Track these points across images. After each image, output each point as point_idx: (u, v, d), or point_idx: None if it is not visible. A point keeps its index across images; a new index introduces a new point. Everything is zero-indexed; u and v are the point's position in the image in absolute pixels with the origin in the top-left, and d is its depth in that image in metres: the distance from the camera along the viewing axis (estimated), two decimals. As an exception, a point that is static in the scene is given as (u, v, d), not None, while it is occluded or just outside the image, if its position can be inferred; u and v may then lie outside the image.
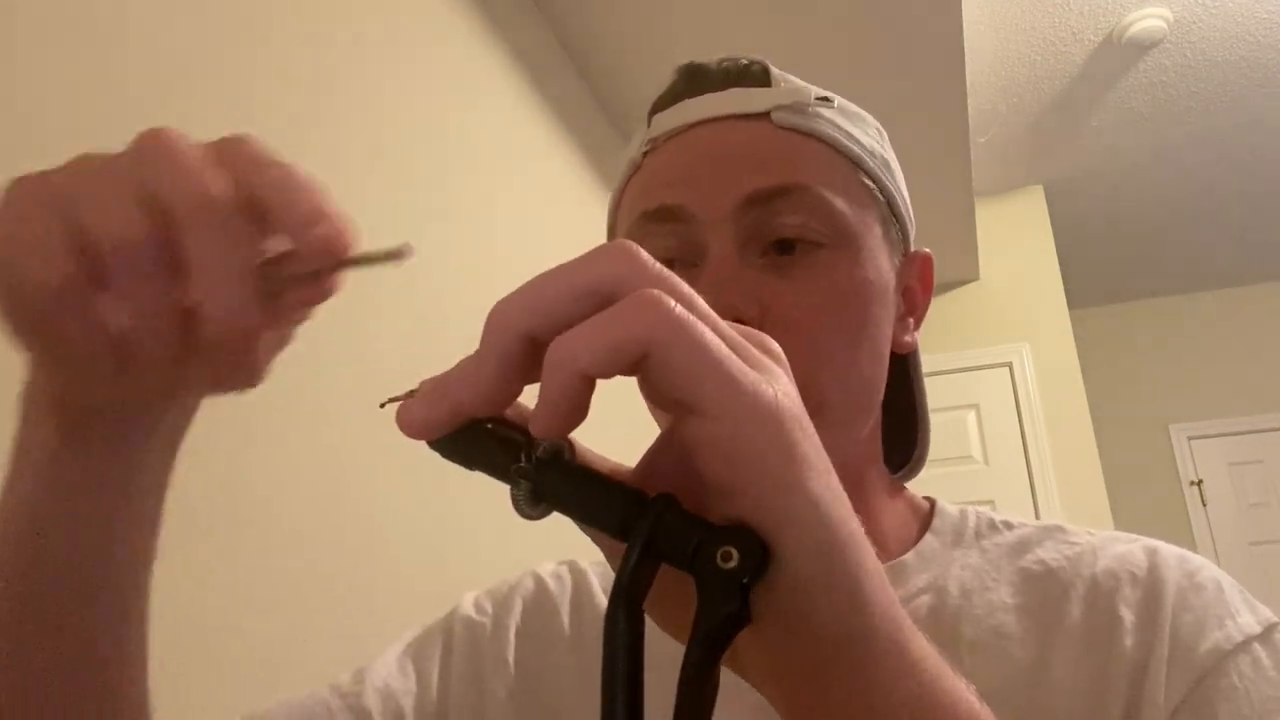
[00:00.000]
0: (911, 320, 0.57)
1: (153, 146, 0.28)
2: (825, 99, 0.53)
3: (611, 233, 0.57)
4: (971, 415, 3.54)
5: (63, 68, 0.78)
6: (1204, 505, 4.46)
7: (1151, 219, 3.97)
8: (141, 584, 0.37)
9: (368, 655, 0.56)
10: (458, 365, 0.26)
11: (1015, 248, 3.63)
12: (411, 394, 0.30)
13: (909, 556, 0.52)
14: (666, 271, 0.26)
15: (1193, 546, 4.33)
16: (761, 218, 0.48)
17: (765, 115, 0.51)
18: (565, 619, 0.55)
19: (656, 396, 0.26)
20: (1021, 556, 0.52)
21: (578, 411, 0.25)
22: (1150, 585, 0.48)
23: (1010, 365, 3.53)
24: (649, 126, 0.55)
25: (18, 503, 0.34)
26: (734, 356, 0.25)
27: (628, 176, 0.55)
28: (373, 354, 1.16)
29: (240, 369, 0.30)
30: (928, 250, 0.58)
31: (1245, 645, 0.45)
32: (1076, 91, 3.03)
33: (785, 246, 0.49)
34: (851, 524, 0.27)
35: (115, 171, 0.27)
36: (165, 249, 0.27)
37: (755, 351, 0.27)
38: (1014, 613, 0.49)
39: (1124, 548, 0.51)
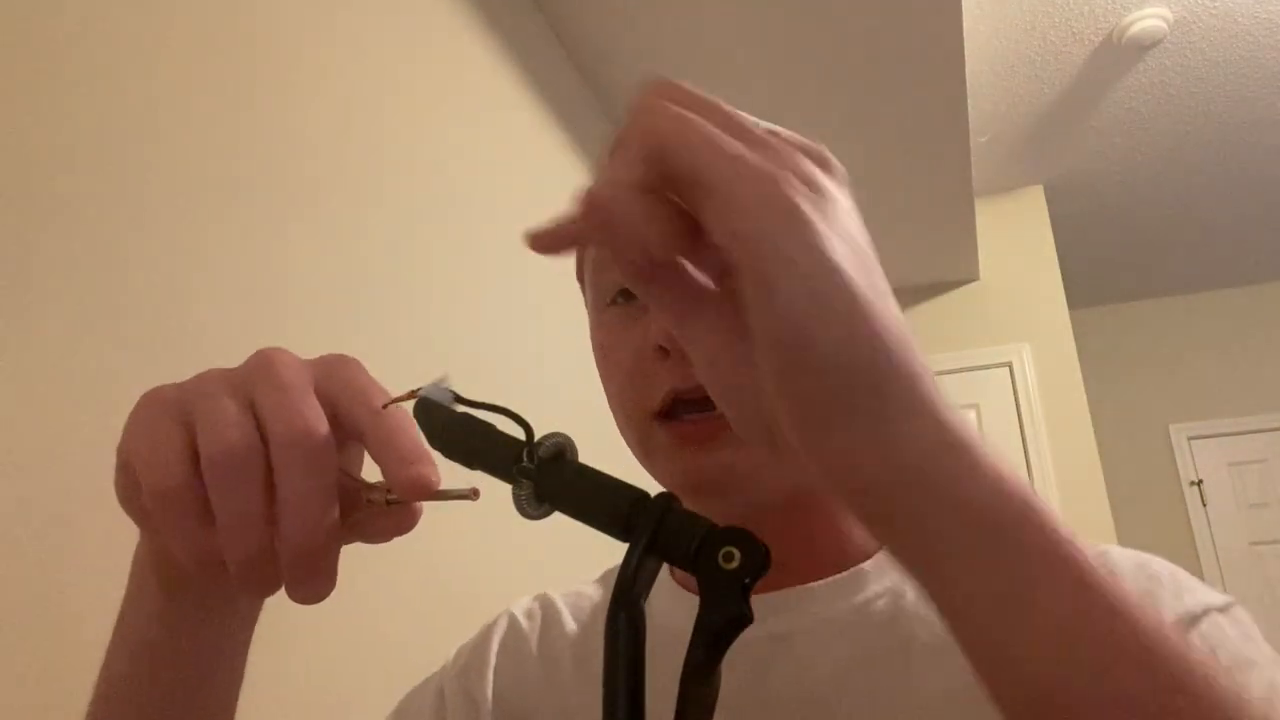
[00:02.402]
0: None
1: (263, 368, 0.32)
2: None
3: (581, 262, 0.59)
4: (971, 415, 3.54)
5: (63, 68, 0.78)
6: (1204, 505, 4.46)
7: (1151, 219, 3.97)
8: (232, 707, 0.41)
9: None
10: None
11: (1015, 248, 3.63)
12: (413, 394, 0.30)
13: (868, 564, 0.54)
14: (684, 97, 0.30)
15: (1193, 546, 4.34)
16: None
17: None
18: (535, 647, 0.59)
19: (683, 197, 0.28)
20: None
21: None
22: None
23: (1010, 365, 3.53)
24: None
25: (128, 657, 0.38)
26: (734, 143, 0.28)
27: None
28: (374, 356, 1.15)
29: (311, 584, 0.31)
30: None
31: (1206, 615, 0.46)
32: (1076, 91, 3.03)
33: None
34: (853, 272, 0.28)
35: (229, 390, 0.31)
36: (261, 473, 0.30)
37: (784, 150, 0.29)
38: None
39: None
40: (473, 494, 0.31)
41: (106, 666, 0.39)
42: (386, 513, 0.32)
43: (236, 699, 0.41)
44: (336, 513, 0.30)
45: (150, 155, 0.86)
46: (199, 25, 0.96)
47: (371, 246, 1.21)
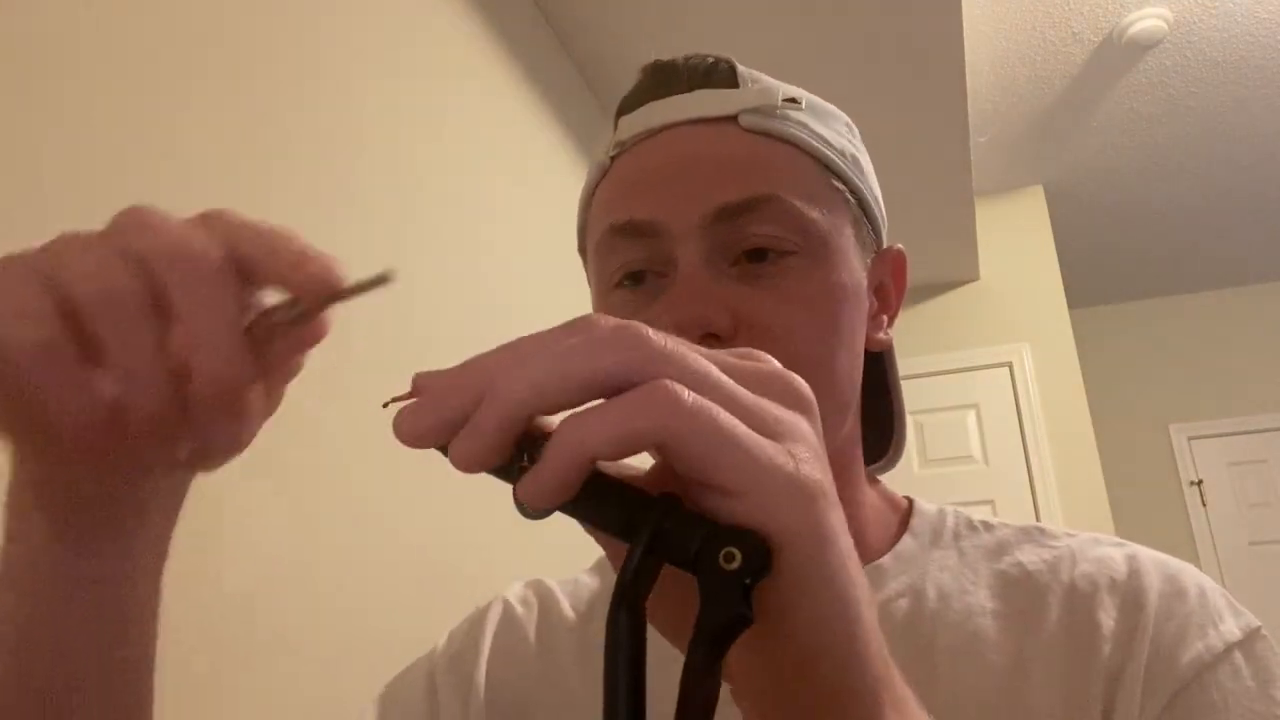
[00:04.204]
0: (885, 317, 0.56)
1: (132, 217, 0.28)
2: (793, 100, 0.51)
3: (583, 234, 0.56)
4: (971, 415, 3.54)
5: (61, 66, 0.78)
6: (1204, 505, 4.47)
7: (1151, 219, 3.97)
8: (145, 681, 0.36)
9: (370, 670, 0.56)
10: (460, 435, 0.26)
11: (1015, 248, 3.64)
12: (414, 395, 0.30)
13: (886, 559, 0.52)
14: (677, 349, 0.26)
15: (1193, 546, 4.34)
16: (731, 229, 0.48)
17: (732, 118, 0.50)
18: (531, 634, 0.57)
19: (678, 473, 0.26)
20: (1000, 559, 0.52)
21: (574, 487, 0.25)
22: (1130, 592, 0.48)
23: (1010, 365, 3.53)
24: (616, 129, 0.54)
25: (10, 603, 0.32)
26: (752, 434, 0.25)
27: (596, 180, 0.54)
28: (374, 353, 1.16)
29: (229, 430, 0.29)
30: (900, 246, 0.57)
31: (1227, 654, 0.45)
32: (1076, 91, 3.03)
33: (757, 255, 0.48)
34: (859, 590, 0.27)
35: (96, 239, 0.27)
36: (150, 303, 0.26)
37: (774, 412, 0.27)
38: (991, 617, 0.49)
39: (1103, 551, 0.51)
40: (389, 276, 0.28)
41: None
42: (295, 327, 0.28)
43: (149, 678, 0.36)
44: (243, 339, 0.27)
45: (150, 154, 0.86)
46: (198, 23, 0.96)
47: (367, 243, 1.21)
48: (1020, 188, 3.66)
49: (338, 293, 0.28)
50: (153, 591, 0.36)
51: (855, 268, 0.51)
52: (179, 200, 0.92)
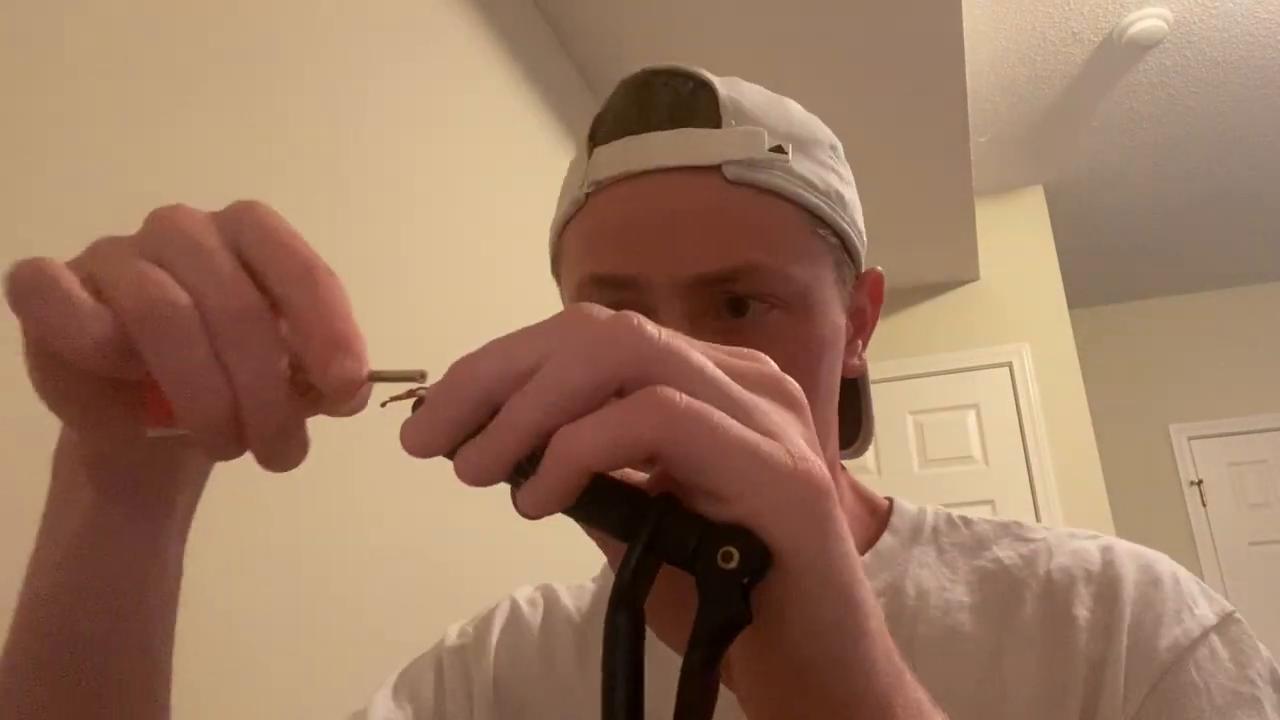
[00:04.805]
0: (860, 341, 0.57)
1: (169, 231, 0.28)
2: (779, 148, 0.50)
3: (555, 261, 0.56)
4: (971, 415, 3.54)
5: (57, 62, 0.78)
6: (1204, 505, 4.46)
7: (1151, 219, 3.97)
8: (169, 629, 0.38)
9: (371, 670, 0.56)
10: (468, 453, 0.26)
11: (1015, 248, 3.63)
12: (412, 394, 0.30)
13: (867, 558, 0.53)
14: (677, 347, 0.26)
15: (1193, 546, 4.34)
16: (712, 292, 0.48)
17: (716, 168, 0.49)
18: (536, 634, 0.59)
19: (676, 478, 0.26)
20: (978, 555, 0.54)
21: (573, 497, 0.25)
22: (1105, 583, 0.50)
23: (1010, 365, 3.53)
24: (590, 156, 0.52)
25: (58, 556, 0.35)
26: (750, 433, 0.25)
27: (570, 213, 0.53)
28: (373, 353, 1.15)
29: (283, 459, 0.30)
30: (879, 268, 0.57)
31: (1203, 639, 0.46)
32: (1076, 91, 3.03)
33: (738, 307, 0.48)
34: (863, 591, 0.27)
35: (136, 254, 0.28)
36: (201, 330, 0.27)
37: (770, 411, 0.27)
38: (969, 612, 0.51)
39: (1078, 544, 0.53)
40: (419, 376, 0.28)
41: (28, 583, 0.35)
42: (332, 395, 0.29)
43: (173, 630, 0.39)
44: (284, 392, 0.28)
45: (147, 150, 0.86)
46: (196, 20, 0.96)
47: (366, 242, 1.21)
48: (1020, 188, 3.66)
49: (358, 388, 0.28)
50: (179, 549, 0.38)
51: (835, 313, 0.51)
52: (176, 198, 0.92)
